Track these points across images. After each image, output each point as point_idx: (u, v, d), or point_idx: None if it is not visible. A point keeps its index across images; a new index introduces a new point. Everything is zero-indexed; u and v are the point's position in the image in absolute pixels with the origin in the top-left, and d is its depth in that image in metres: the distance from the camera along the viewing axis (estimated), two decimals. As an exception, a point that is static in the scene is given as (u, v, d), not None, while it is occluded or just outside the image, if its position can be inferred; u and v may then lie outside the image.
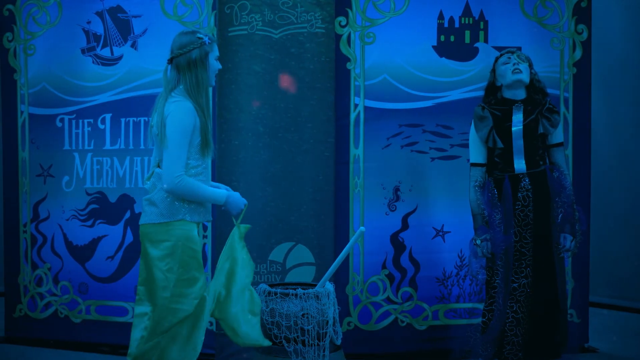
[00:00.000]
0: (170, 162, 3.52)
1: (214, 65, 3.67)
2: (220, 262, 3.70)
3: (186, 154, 3.55)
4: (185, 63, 3.59)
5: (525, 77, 4.19)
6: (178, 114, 3.53)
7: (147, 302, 3.60)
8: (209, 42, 3.62)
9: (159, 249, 3.55)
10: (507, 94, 4.26)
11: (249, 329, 3.68)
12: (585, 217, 4.42)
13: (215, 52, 3.67)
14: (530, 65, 4.25)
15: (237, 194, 3.71)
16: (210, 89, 3.83)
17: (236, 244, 3.71)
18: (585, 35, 5.31)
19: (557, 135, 4.26)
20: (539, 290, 4.14)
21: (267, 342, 3.74)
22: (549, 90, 4.29)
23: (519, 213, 4.14)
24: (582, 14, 5.31)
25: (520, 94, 4.24)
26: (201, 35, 3.62)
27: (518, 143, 4.17)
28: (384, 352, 5.21)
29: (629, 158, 7.05)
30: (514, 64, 4.19)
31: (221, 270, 3.69)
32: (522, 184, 4.16)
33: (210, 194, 3.62)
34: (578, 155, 5.32)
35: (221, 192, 3.66)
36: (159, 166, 3.65)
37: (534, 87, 4.24)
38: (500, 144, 4.19)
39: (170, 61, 3.63)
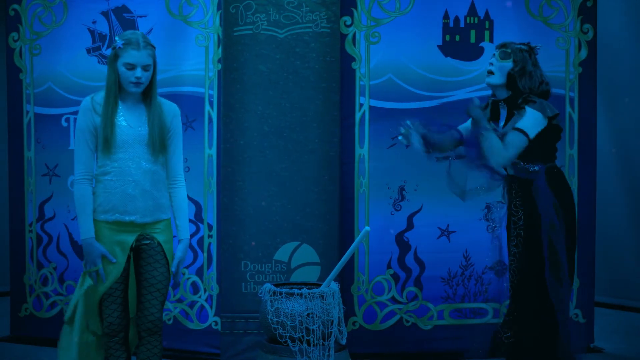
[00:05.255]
0: (74, 163, 3.67)
1: (121, 70, 3.62)
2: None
3: (85, 154, 3.64)
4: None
5: (496, 79, 3.94)
6: (79, 112, 3.68)
7: None
8: (119, 48, 3.62)
9: None
10: (496, 92, 4.03)
11: None
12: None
13: (125, 59, 3.61)
14: (518, 61, 3.90)
15: (97, 247, 3.62)
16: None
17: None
18: (590, 34, 5.30)
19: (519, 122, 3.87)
20: (523, 294, 3.93)
21: None
22: (554, 90, 4.15)
23: (513, 217, 3.99)
24: (588, 14, 5.30)
25: (501, 94, 3.99)
26: (117, 38, 3.64)
27: None
28: (389, 352, 5.21)
29: (635, 157, 7.04)
30: (489, 64, 3.97)
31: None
32: (514, 187, 3.99)
33: (81, 218, 3.63)
34: (583, 155, 5.31)
35: (87, 229, 3.63)
36: None
37: (515, 87, 3.90)
38: None
39: None
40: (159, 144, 3.69)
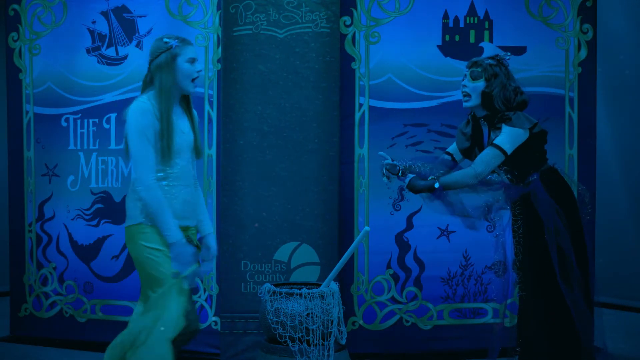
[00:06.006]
0: (137, 167, 3.53)
1: (185, 67, 3.60)
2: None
3: (152, 156, 3.53)
4: (155, 68, 3.62)
5: (472, 102, 3.90)
6: (134, 114, 3.53)
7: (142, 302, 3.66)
8: (177, 46, 3.59)
9: (130, 251, 3.64)
10: (475, 111, 4.01)
11: None
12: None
13: (187, 55, 3.60)
14: (492, 76, 3.84)
15: (190, 247, 3.58)
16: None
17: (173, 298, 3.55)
18: (590, 34, 5.30)
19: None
20: (531, 299, 3.91)
21: None
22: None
23: (513, 225, 3.99)
24: (587, 14, 5.30)
25: (480, 112, 3.95)
26: (168, 40, 3.61)
27: None
28: (388, 352, 5.21)
29: (634, 157, 7.04)
30: (462, 86, 3.92)
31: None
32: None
33: (166, 221, 3.52)
34: (583, 155, 5.31)
35: (175, 232, 3.52)
36: None
37: (491, 106, 3.87)
38: None
39: (149, 69, 3.68)
40: (199, 148, 3.75)
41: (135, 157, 3.53)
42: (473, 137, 4.02)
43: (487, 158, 3.78)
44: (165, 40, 3.62)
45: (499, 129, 3.80)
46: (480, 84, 3.87)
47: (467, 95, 3.90)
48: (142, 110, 3.53)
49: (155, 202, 3.51)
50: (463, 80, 3.93)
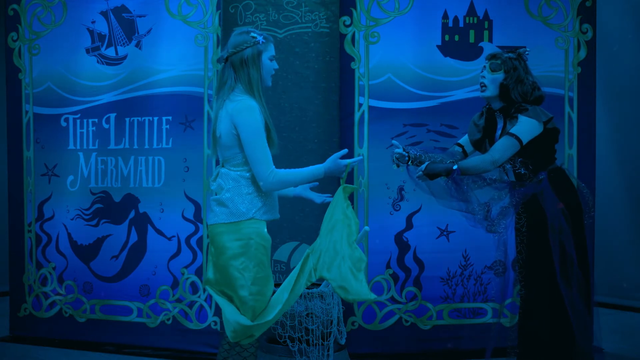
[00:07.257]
0: (258, 163, 3.49)
1: (268, 65, 3.59)
2: (325, 221, 3.62)
3: (268, 150, 3.52)
4: (238, 62, 3.54)
5: (489, 93, 3.98)
6: (249, 113, 3.48)
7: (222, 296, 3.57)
8: (262, 42, 3.55)
9: (232, 249, 3.51)
10: (490, 103, 4.09)
11: (358, 285, 3.52)
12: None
13: (270, 52, 3.59)
14: (511, 69, 3.95)
15: (331, 158, 3.60)
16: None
17: (340, 203, 3.61)
18: (590, 34, 5.30)
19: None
20: (533, 298, 3.95)
21: (374, 296, 3.61)
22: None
23: (517, 224, 4.02)
24: (587, 14, 5.30)
25: (495, 105, 4.03)
26: (255, 35, 3.55)
27: None
28: (388, 352, 5.21)
29: (633, 157, 7.04)
30: (481, 77, 4.01)
31: (328, 229, 3.60)
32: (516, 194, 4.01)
33: (307, 173, 3.58)
34: (582, 155, 5.31)
35: (316, 167, 3.59)
36: (223, 166, 3.60)
37: (508, 98, 3.95)
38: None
39: (226, 60, 3.57)
40: None
41: (258, 157, 3.50)
42: (485, 130, 4.09)
43: (503, 146, 3.86)
44: (252, 34, 3.56)
45: (516, 118, 3.88)
46: (499, 75, 3.97)
47: (484, 86, 3.99)
48: (256, 108, 3.50)
49: (286, 179, 3.54)
50: (482, 72, 4.02)
